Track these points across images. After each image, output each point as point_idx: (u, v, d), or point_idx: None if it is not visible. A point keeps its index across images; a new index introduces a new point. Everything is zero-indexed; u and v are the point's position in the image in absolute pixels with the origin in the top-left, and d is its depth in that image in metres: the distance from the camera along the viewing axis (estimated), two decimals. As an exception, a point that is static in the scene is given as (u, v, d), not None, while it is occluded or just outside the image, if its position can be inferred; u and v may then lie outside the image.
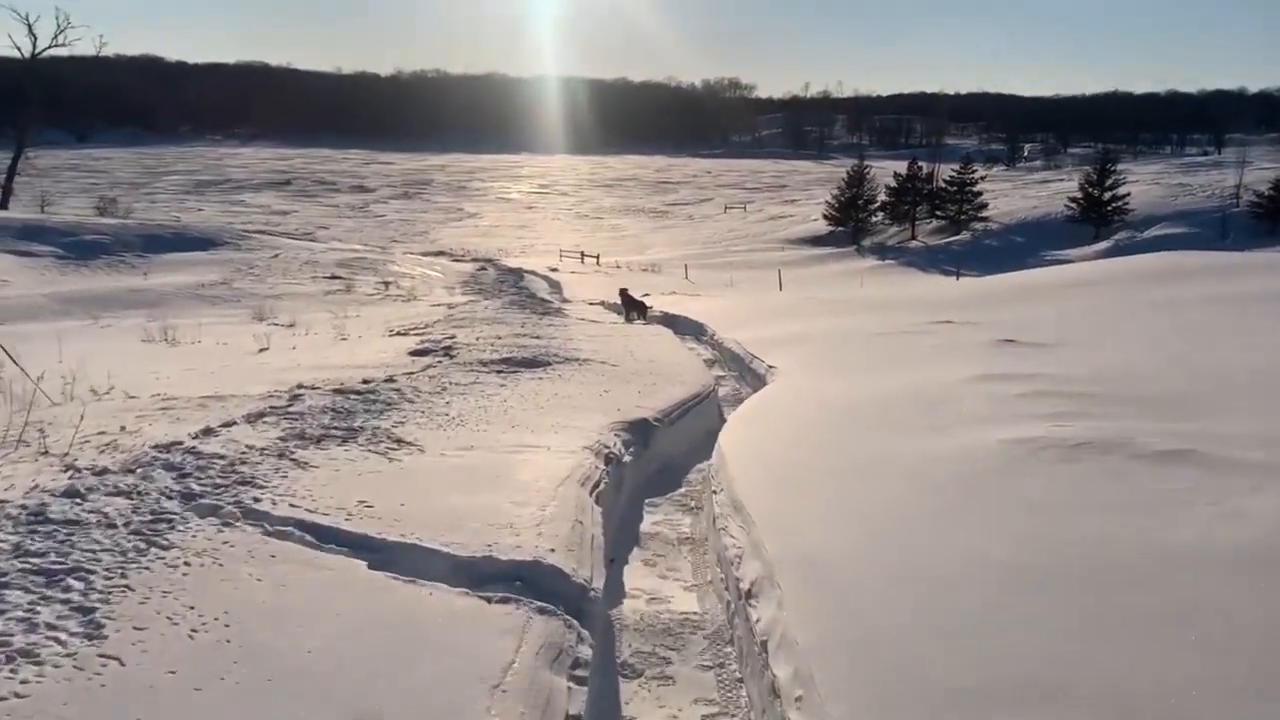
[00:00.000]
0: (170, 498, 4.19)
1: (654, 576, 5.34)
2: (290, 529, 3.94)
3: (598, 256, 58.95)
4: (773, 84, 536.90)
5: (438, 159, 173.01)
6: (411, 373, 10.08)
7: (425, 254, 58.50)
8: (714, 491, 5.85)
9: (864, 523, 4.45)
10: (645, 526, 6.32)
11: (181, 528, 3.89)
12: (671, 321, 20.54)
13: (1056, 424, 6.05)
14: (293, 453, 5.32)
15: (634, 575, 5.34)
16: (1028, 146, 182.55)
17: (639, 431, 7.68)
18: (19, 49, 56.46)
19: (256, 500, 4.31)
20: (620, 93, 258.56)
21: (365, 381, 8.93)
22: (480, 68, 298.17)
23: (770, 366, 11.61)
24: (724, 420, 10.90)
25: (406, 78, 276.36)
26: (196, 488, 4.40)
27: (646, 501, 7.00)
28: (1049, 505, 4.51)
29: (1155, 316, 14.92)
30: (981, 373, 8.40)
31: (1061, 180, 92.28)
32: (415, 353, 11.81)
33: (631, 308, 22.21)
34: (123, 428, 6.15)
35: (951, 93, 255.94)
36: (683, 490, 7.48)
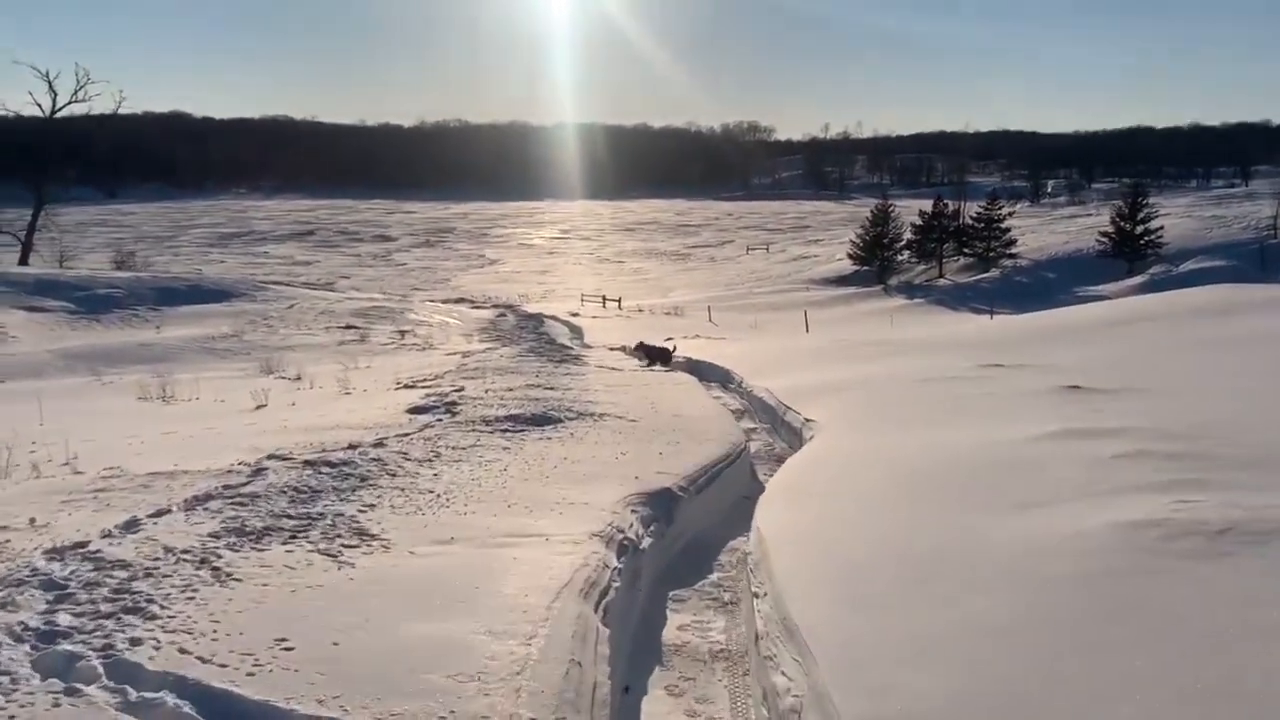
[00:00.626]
0: (19, 640, 3.07)
1: (680, 713, 4.14)
2: (162, 697, 2.80)
3: (619, 300, 58.00)
4: (792, 126, 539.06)
5: (460, 207, 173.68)
6: (406, 434, 8.99)
7: (445, 301, 57.75)
8: (755, 594, 4.65)
9: (971, 664, 3.25)
10: (669, 633, 5.14)
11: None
12: (695, 368, 19.39)
13: (1179, 500, 4.82)
14: (218, 557, 4.21)
15: (655, 711, 4.14)
16: (1051, 183, 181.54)
17: (660, 504, 6.52)
18: (40, 106, 56.62)
19: (135, 643, 3.19)
20: (640, 138, 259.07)
21: (351, 446, 7.83)
22: (502, 117, 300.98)
23: (807, 420, 10.45)
24: (758, 483, 9.70)
25: (429, 128, 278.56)
26: (65, 621, 3.29)
27: (671, 595, 5.81)
28: (1222, 634, 3.29)
29: (1219, 355, 13.68)
30: (1058, 428, 7.20)
31: (1089, 215, 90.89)
32: (415, 410, 10.71)
33: (653, 357, 20.92)
34: (32, 520, 5.05)
35: (971, 131, 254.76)
36: (714, 577, 6.30)
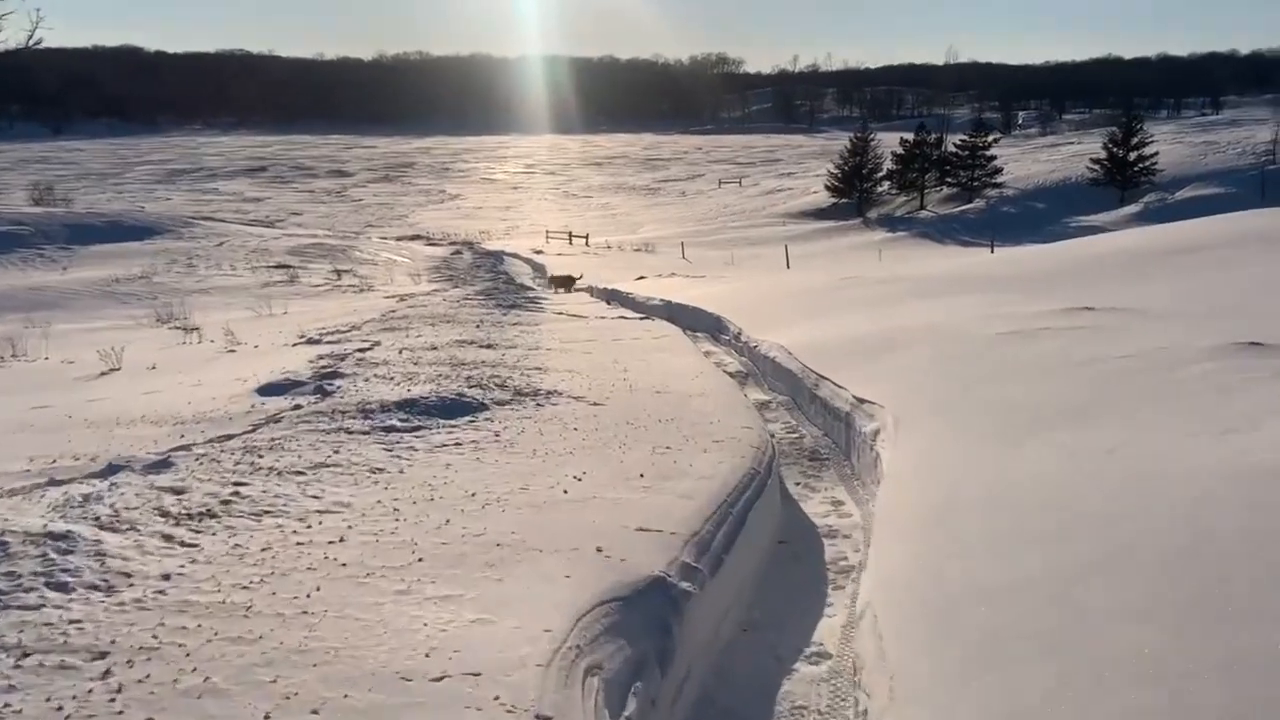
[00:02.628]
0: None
1: None
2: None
3: (586, 237, 54.35)
4: (760, 59, 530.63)
5: (421, 142, 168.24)
6: (228, 438, 5.63)
7: (399, 238, 54.04)
8: None
9: None
10: None
11: None
12: (675, 314, 16.03)
13: None
14: None
15: None
16: (1022, 114, 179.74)
17: (647, 618, 3.22)
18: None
19: None
20: (607, 71, 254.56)
21: (92, 477, 4.44)
22: (465, 49, 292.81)
23: (860, 401, 7.22)
24: (794, 508, 6.57)
25: (389, 61, 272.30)
26: None
27: None
28: None
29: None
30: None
31: (1072, 144, 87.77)
32: (276, 387, 7.29)
33: (557, 284, 22.56)
34: None
35: (941, 64, 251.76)
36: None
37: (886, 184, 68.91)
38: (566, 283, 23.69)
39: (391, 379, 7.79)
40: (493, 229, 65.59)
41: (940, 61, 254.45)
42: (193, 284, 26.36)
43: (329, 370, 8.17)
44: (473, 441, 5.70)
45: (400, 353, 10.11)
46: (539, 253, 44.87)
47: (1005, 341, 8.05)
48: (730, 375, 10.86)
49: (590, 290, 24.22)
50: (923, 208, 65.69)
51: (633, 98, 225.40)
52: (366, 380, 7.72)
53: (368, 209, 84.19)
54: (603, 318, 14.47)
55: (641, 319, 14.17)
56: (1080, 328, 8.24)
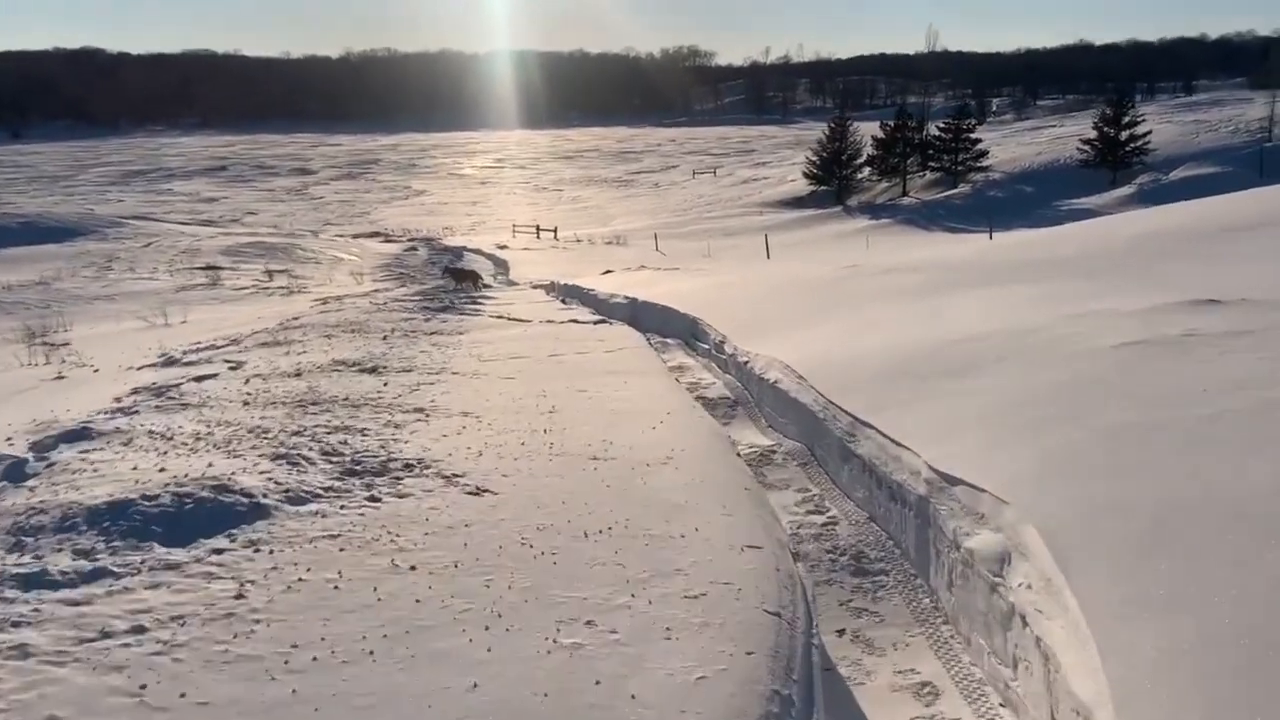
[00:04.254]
0: None
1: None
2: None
3: (555, 230, 51.39)
4: (732, 51, 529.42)
5: (389, 139, 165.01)
6: None
7: (356, 235, 51.04)
8: None
9: None
10: None
11: None
12: (640, 315, 13.13)
13: None
14: None
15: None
16: (995, 101, 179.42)
17: None
18: None
19: None
20: (577, 65, 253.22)
21: None
22: (433, 45, 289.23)
23: (952, 482, 4.46)
24: None
25: (356, 59, 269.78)
26: None
27: None
28: None
29: None
30: None
31: (1053, 127, 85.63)
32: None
33: (460, 278, 20.77)
34: None
35: (912, 52, 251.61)
36: None
37: (867, 170, 66.20)
38: (466, 278, 21.25)
39: (170, 440, 4.92)
40: (458, 224, 62.64)
41: (912, 50, 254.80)
42: (98, 290, 23.28)
43: (82, 430, 5.24)
44: (170, 617, 2.85)
45: (246, 383, 7.25)
46: (503, 248, 42.03)
47: (1140, 358, 5.30)
48: (711, 405, 8.11)
49: (548, 287, 21.33)
50: (905, 194, 63.01)
51: (604, 92, 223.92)
52: (121, 448, 4.84)
53: (328, 206, 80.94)
54: (551, 321, 11.60)
55: (597, 323, 11.28)
56: (1237, 332, 5.43)
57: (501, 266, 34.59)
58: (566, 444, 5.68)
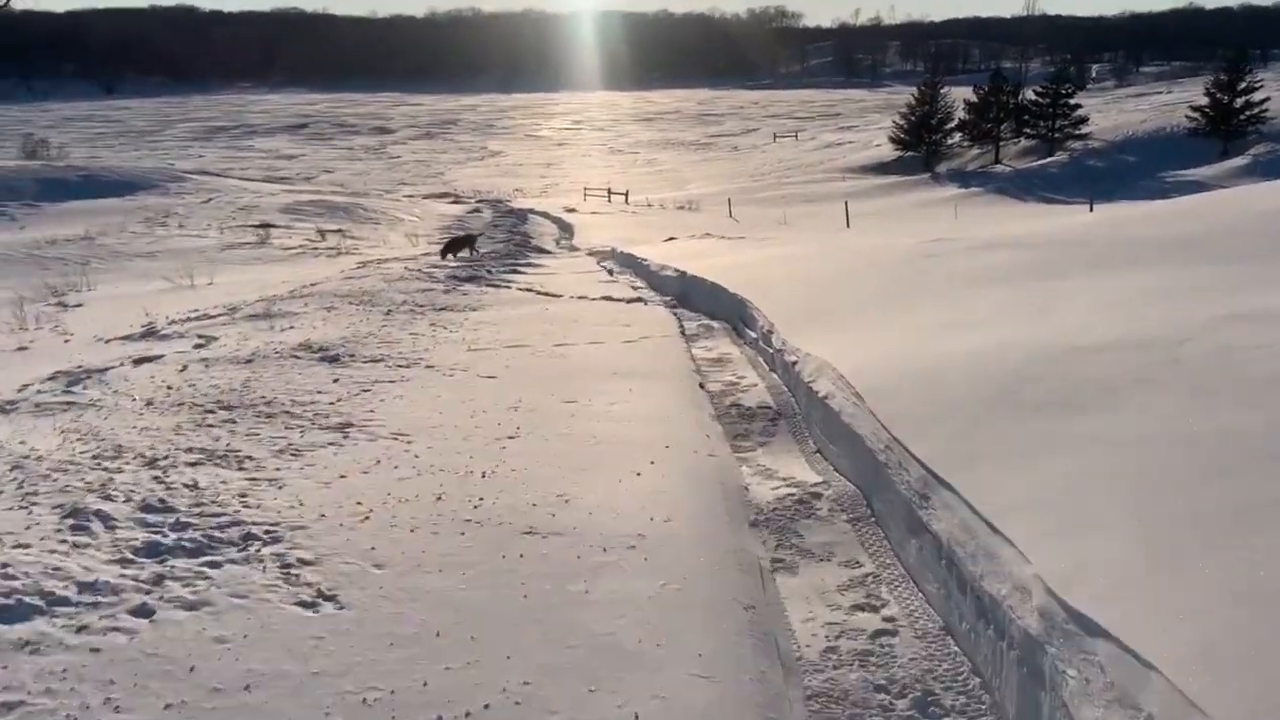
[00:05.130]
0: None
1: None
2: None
3: (625, 194, 49.78)
4: (820, 12, 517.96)
5: (470, 99, 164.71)
6: None
7: (427, 196, 50.17)
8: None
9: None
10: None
11: None
12: (689, 291, 11.54)
13: None
14: None
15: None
16: (1095, 67, 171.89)
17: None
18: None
19: None
20: (661, 26, 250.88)
21: None
22: (518, 5, 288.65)
23: (1149, 683, 2.67)
24: None
25: (441, 18, 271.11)
26: None
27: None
28: None
29: None
30: None
31: (1160, 93, 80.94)
32: None
33: (454, 247, 19.37)
34: None
35: (1009, 16, 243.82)
36: None
37: (958, 135, 63.10)
38: (460, 245, 19.85)
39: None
40: (530, 186, 61.43)
41: (1009, 13, 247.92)
42: (142, 246, 22.48)
43: None
44: None
45: (183, 370, 6.01)
46: (571, 211, 40.60)
47: None
48: (745, 416, 6.63)
49: (600, 254, 19.84)
50: (998, 161, 59.87)
51: (688, 53, 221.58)
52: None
53: (404, 166, 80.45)
54: (583, 297, 10.12)
55: (631, 301, 9.76)
56: None
57: (566, 230, 33.22)
58: (501, 501, 4.32)
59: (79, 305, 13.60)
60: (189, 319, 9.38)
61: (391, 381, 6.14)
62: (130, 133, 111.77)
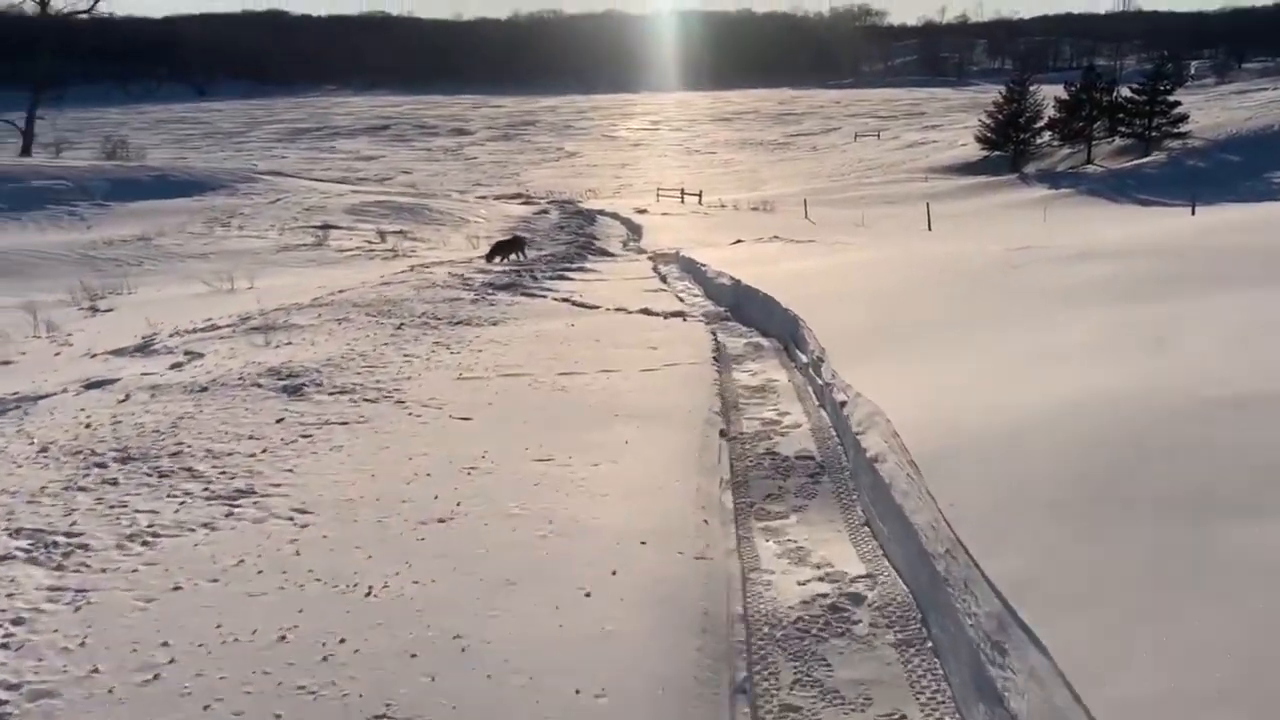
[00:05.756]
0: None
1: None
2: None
3: (699, 194, 48.68)
4: (905, 10, 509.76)
5: (549, 100, 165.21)
6: None
7: (499, 196, 49.75)
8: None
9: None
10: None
11: None
12: (741, 302, 10.45)
13: None
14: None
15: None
16: (1194, 64, 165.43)
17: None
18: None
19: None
20: (742, 26, 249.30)
21: None
22: (598, 6, 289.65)
23: None
24: None
25: (524, 21, 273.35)
26: None
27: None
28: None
29: None
30: None
31: (1265, 90, 77.07)
32: None
33: (504, 250, 18.86)
34: None
35: (1102, 12, 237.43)
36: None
37: (1048, 134, 60.60)
38: (509, 248, 19.36)
39: None
40: (603, 187, 60.72)
41: (1102, 9, 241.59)
42: (198, 247, 22.18)
43: None
44: None
45: (124, 400, 5.15)
46: (642, 212, 39.69)
47: None
48: (778, 469, 5.54)
49: (662, 257, 18.85)
50: (1090, 161, 57.32)
51: (769, 52, 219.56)
52: None
53: (480, 167, 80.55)
54: (622, 310, 9.11)
55: (670, 316, 8.75)
56: None
57: (635, 231, 32.34)
58: (366, 650, 3.19)
59: (110, 310, 13.08)
60: (195, 330, 8.65)
61: (343, 424, 5.28)
62: (217, 134, 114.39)
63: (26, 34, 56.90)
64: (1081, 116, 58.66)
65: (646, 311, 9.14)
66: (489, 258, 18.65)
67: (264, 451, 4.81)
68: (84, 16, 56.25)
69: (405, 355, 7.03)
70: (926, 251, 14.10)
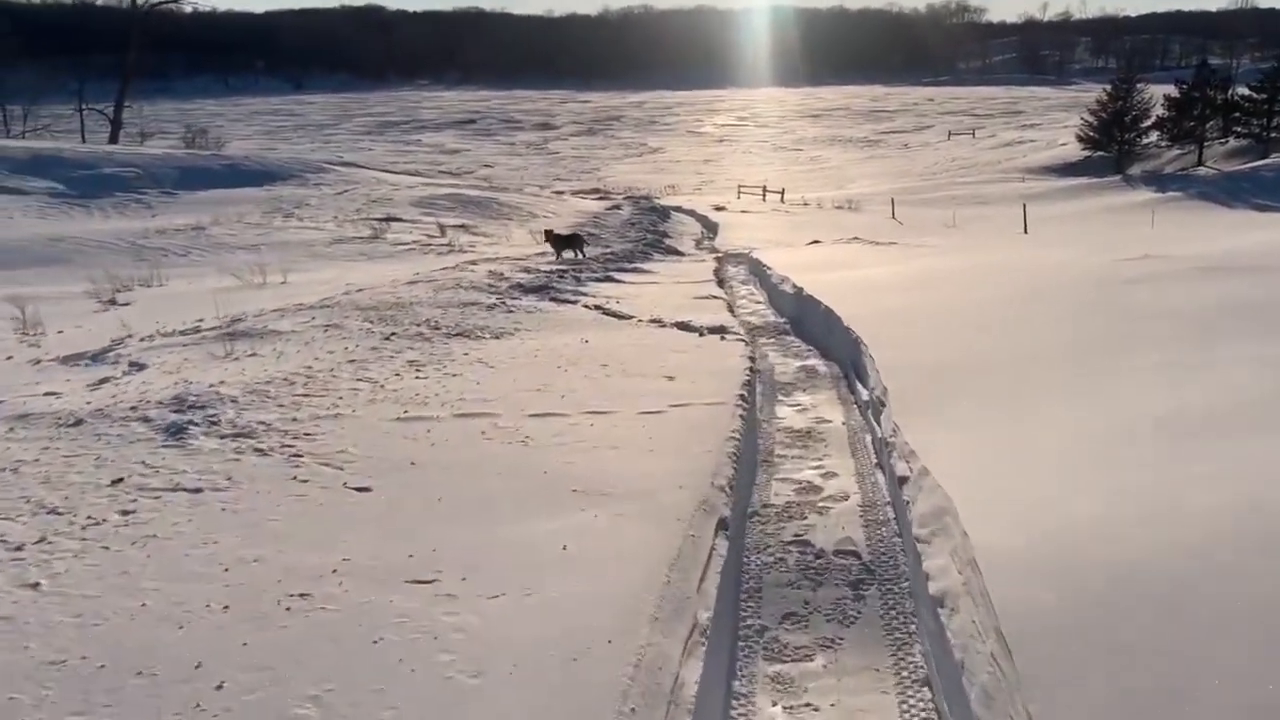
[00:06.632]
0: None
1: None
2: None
3: (781, 192, 47.00)
4: (1005, 7, 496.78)
5: (637, 96, 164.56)
6: None
7: (577, 192, 48.86)
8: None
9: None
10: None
11: None
12: (804, 314, 9.03)
13: None
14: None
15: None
16: None
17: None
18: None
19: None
20: (836, 21, 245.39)
21: None
22: (688, 2, 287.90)
23: None
24: None
25: (614, 16, 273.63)
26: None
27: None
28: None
29: None
30: None
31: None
32: None
33: (560, 244, 18.82)
34: None
35: (1215, 9, 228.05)
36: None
37: (1155, 134, 57.30)
38: (563, 243, 19.05)
39: None
40: (684, 183, 59.34)
41: (1214, 6, 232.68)
42: (252, 238, 21.51)
43: None
44: None
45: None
46: (720, 209, 38.31)
47: None
48: (809, 574, 4.01)
49: (733, 257, 17.48)
50: (1201, 163, 53.98)
51: (863, 49, 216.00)
52: None
53: (562, 161, 79.87)
54: (656, 322, 7.79)
55: (707, 333, 7.38)
56: None
57: (710, 229, 31.05)
58: None
59: (127, 304, 12.23)
60: (170, 334, 7.62)
61: (194, 490, 4.02)
62: (309, 126, 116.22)
63: (124, 25, 58.00)
64: (1193, 116, 55.29)
65: (684, 326, 7.75)
66: (557, 252, 18.36)
67: (55, 534, 3.56)
68: (188, 10, 57.50)
69: (359, 380, 5.78)
70: (1022, 259, 12.41)
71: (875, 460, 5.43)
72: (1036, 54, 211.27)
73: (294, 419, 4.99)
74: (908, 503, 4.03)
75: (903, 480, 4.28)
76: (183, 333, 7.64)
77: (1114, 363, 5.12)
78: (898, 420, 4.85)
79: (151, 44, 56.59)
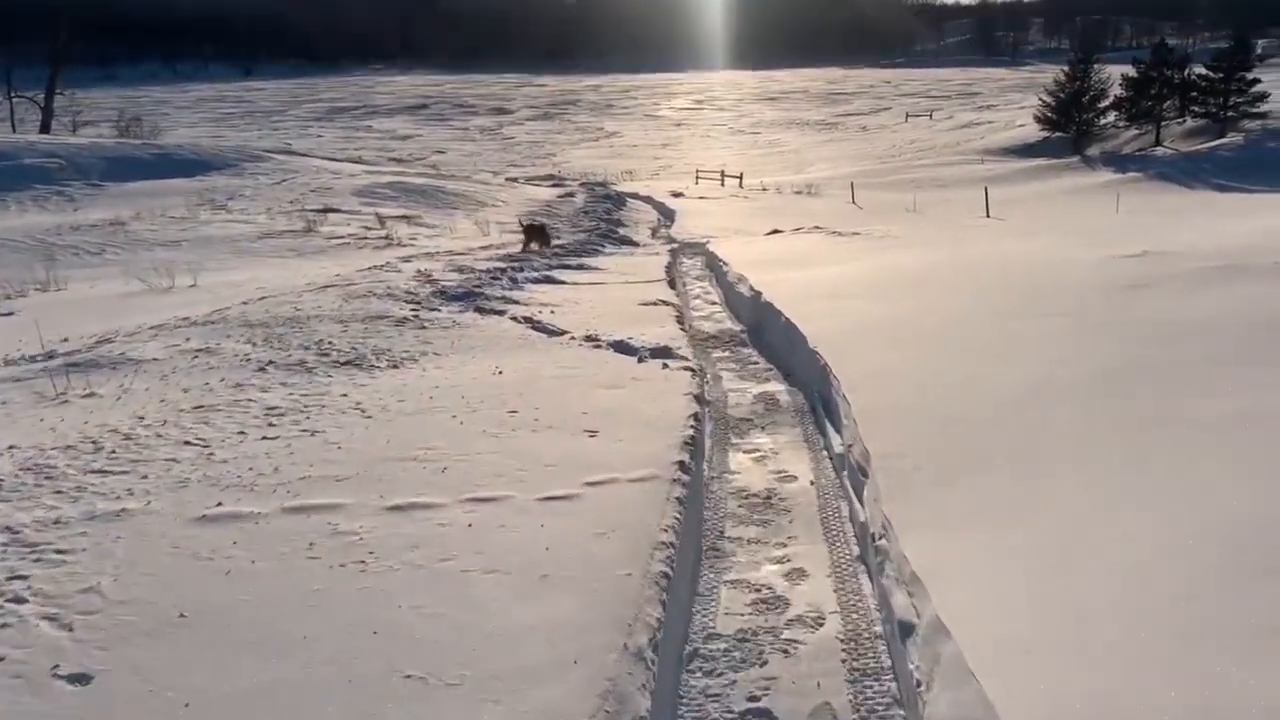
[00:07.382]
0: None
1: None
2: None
3: (740, 177, 45.97)
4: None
5: (594, 79, 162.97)
6: None
7: (530, 179, 47.44)
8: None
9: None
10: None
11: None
12: (763, 321, 7.97)
13: None
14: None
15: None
16: (1261, 43, 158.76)
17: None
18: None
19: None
20: (793, 4, 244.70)
21: None
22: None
23: None
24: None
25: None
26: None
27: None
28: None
29: None
30: None
31: (1348, 68, 72.61)
32: None
33: (532, 236, 18.25)
34: None
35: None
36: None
37: (1113, 115, 56.94)
38: (535, 234, 18.45)
39: None
40: (642, 168, 58.14)
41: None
42: (174, 234, 20.09)
43: None
44: None
45: None
46: (678, 195, 37.21)
47: None
48: None
49: (689, 249, 16.43)
50: (1159, 143, 53.67)
51: (819, 32, 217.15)
52: None
53: (517, 147, 78.27)
54: (592, 341, 6.64)
55: (646, 358, 6.27)
56: None
57: (667, 217, 29.95)
58: None
59: (10, 314, 10.91)
60: (18, 361, 6.39)
61: None
62: (256, 113, 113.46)
63: (53, 7, 55.65)
64: (1151, 95, 54.97)
65: (622, 347, 6.58)
66: (526, 242, 17.69)
67: None
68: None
69: (188, 442, 4.47)
70: (1001, 254, 11.38)
71: (857, 553, 4.14)
72: (990, 35, 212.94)
73: (54, 521, 3.61)
74: (914, 673, 2.83)
75: (907, 629, 3.07)
76: (24, 360, 6.40)
77: (1162, 408, 4.02)
78: (887, 510, 3.66)
79: (89, 29, 54.42)
